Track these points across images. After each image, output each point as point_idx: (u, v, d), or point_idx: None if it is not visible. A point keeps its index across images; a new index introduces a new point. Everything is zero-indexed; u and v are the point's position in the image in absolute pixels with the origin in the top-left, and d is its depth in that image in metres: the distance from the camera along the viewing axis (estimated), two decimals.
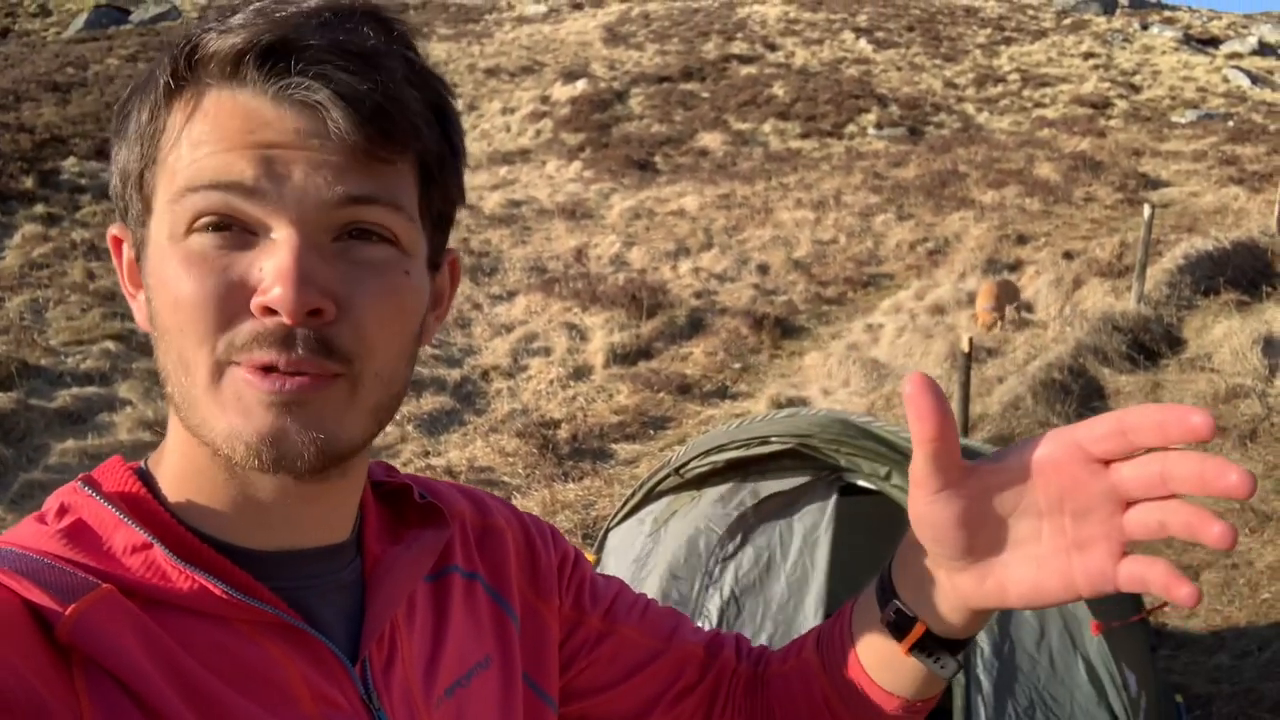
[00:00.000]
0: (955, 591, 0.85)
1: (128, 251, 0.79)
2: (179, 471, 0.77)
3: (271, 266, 0.69)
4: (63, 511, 0.74)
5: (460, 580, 0.94)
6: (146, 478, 0.79)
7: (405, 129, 0.73)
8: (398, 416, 8.52)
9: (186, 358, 0.71)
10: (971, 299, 10.90)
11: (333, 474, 0.77)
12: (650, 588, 3.93)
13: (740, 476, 3.94)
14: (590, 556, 4.33)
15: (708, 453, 3.96)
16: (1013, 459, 0.78)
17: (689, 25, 31.70)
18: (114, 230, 0.81)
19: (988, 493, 0.78)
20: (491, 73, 26.58)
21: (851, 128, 23.02)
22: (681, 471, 4.04)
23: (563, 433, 8.43)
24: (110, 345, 9.64)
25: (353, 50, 0.71)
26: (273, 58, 0.70)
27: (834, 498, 3.82)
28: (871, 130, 22.96)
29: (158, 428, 8.21)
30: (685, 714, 1.07)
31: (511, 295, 11.61)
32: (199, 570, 0.72)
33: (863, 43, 29.93)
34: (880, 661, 0.95)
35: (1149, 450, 0.71)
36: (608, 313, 10.81)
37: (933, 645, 0.90)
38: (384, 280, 0.74)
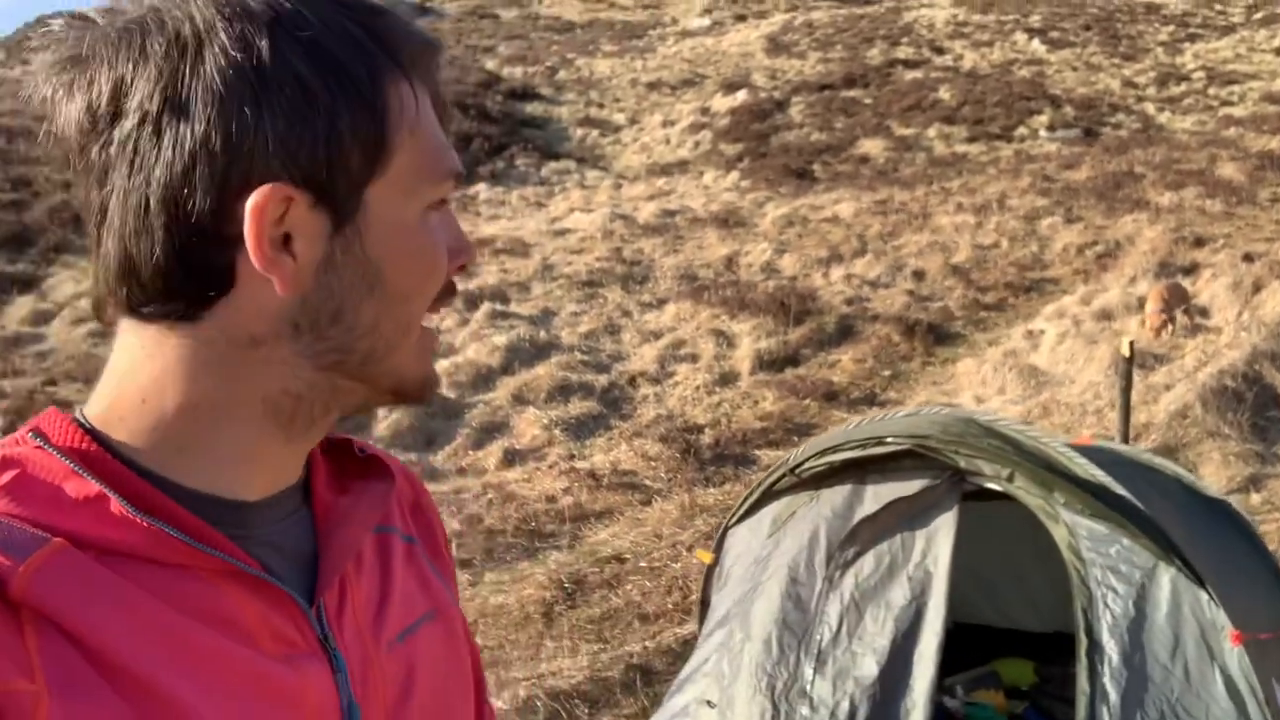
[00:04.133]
0: None
1: (296, 209, 0.74)
2: (178, 427, 0.77)
3: (463, 236, 0.86)
4: (5, 464, 0.73)
5: (400, 543, 0.97)
6: (93, 432, 0.77)
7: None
8: (545, 420, 8.72)
9: (413, 319, 0.83)
10: (1142, 304, 10.38)
11: None
12: (770, 591, 3.89)
13: (857, 478, 3.87)
14: (709, 556, 4.31)
15: (823, 453, 3.90)
16: None
17: (853, 32, 31.26)
18: (283, 188, 0.72)
19: None
20: (653, 86, 26.83)
21: (1022, 130, 22.24)
22: (797, 471, 3.99)
23: (706, 438, 8.43)
24: None
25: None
26: (431, 62, 0.83)
27: (956, 501, 3.70)
28: (1044, 132, 22.12)
29: None
30: None
31: (661, 303, 11.68)
32: (155, 520, 0.72)
33: (1036, 43, 28.88)
34: None
35: None
36: (756, 319, 10.76)
37: None
38: None
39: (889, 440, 3.73)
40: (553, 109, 25.15)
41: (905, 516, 3.76)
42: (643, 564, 6.37)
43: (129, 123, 0.71)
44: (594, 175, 20.20)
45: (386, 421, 8.70)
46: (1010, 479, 3.55)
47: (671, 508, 7.20)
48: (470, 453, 8.43)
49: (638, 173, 20.11)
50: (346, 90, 0.73)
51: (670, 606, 5.79)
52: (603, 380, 9.73)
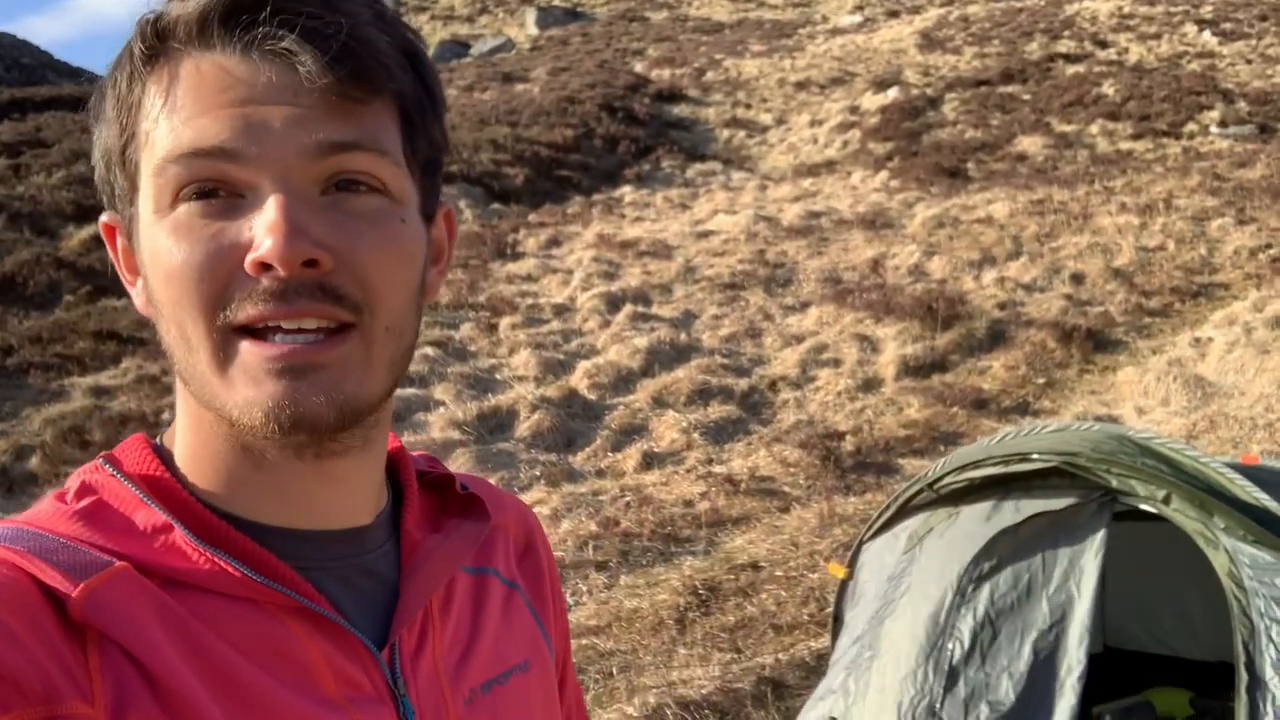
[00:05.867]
0: None
1: (120, 239, 0.79)
2: (193, 449, 0.77)
3: (261, 222, 0.68)
4: (83, 491, 0.75)
5: (500, 586, 0.93)
6: (165, 456, 0.79)
7: (375, 68, 0.72)
8: (684, 423, 8.68)
9: (186, 332, 0.71)
10: None
11: (353, 447, 0.76)
12: (902, 607, 3.77)
13: (1000, 494, 3.70)
14: (842, 570, 4.20)
15: (963, 468, 3.75)
16: None
17: (1011, 26, 30.27)
18: (105, 219, 0.80)
19: None
20: (801, 86, 26.51)
21: (1191, 126, 21.13)
22: (936, 487, 3.85)
23: (847, 445, 8.26)
24: (430, 350, 10.36)
25: None
26: (237, 14, 0.70)
27: (1105, 522, 3.50)
28: (1215, 129, 20.98)
29: (466, 427, 8.75)
30: None
31: (804, 306, 11.50)
32: (219, 552, 0.72)
33: (1207, 35, 27.42)
34: None
35: None
36: (901, 324, 10.49)
37: None
38: (381, 229, 0.73)
39: (1034, 457, 3.56)
40: (699, 110, 25.12)
41: (1048, 534, 3.58)
42: (779, 573, 6.27)
43: None
44: (739, 177, 20.07)
45: (528, 422, 8.80)
46: (1166, 501, 3.34)
47: (810, 516, 7.07)
48: (609, 455, 8.45)
49: (783, 174, 19.90)
50: (101, 117, 0.76)
51: (805, 618, 5.67)
52: (743, 384, 9.63)
